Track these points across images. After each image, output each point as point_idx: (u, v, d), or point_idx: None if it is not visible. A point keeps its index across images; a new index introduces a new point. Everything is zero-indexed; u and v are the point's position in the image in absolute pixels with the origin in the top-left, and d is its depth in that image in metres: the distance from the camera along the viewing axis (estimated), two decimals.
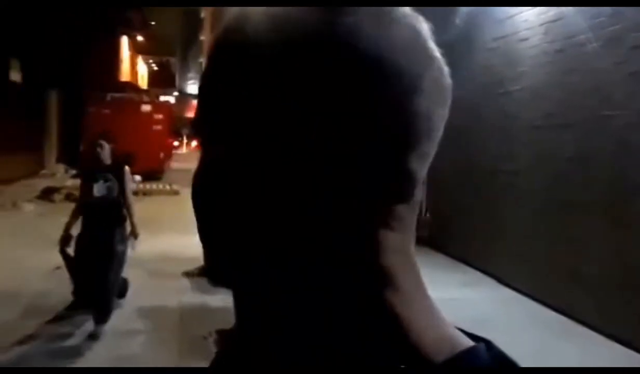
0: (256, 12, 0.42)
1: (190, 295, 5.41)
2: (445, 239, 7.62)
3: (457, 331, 0.43)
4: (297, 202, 0.40)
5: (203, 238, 0.46)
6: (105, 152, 4.44)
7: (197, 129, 0.45)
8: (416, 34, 0.42)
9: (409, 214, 0.43)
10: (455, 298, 5.56)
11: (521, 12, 6.11)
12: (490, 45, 6.72)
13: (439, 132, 0.43)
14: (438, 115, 0.42)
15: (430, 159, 0.43)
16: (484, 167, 6.80)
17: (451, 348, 0.40)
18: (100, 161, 4.43)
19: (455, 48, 7.31)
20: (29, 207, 9.86)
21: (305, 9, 0.40)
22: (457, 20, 6.91)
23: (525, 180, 5.96)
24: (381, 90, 0.39)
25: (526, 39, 6.03)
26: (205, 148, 0.45)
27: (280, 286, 0.42)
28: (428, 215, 8.12)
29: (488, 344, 0.42)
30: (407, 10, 0.43)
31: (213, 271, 0.47)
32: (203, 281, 5.62)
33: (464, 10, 7.02)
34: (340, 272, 0.41)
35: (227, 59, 0.42)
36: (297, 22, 0.40)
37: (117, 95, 17.16)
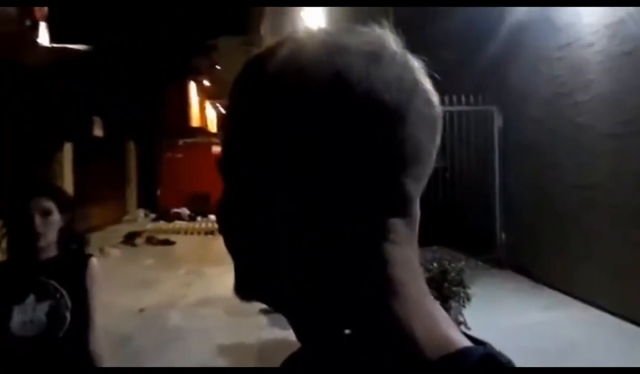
0: (267, 60, 0.49)
1: (268, 331, 5.47)
2: (524, 260, 7.29)
3: (459, 334, 0.47)
4: (310, 222, 0.46)
5: (232, 256, 0.53)
6: (52, 228, 1.96)
7: (223, 162, 0.53)
8: (404, 70, 0.48)
9: (408, 229, 0.49)
10: (541, 322, 5.28)
11: (582, 16, 5.88)
12: (555, 54, 6.49)
13: (429, 155, 0.49)
14: (426, 140, 0.49)
15: (424, 179, 0.50)
16: (559, 183, 6.50)
17: (446, 349, 0.44)
18: (37, 250, 1.95)
19: (520, 62, 7.13)
20: (115, 252, 10.43)
21: (310, 51, 0.47)
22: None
23: (605, 193, 5.63)
24: (371, 121, 0.46)
25: (592, 44, 5.78)
26: (228, 178, 0.53)
27: (297, 297, 0.50)
28: (504, 236, 7.83)
29: (486, 347, 0.46)
30: (398, 49, 0.49)
31: (240, 286, 0.53)
32: (281, 317, 5.66)
33: (517, 20, 6.85)
34: (349, 284, 0.47)
35: (245, 103, 0.50)
36: (301, 64, 0.47)
37: (189, 140, 18.01)
